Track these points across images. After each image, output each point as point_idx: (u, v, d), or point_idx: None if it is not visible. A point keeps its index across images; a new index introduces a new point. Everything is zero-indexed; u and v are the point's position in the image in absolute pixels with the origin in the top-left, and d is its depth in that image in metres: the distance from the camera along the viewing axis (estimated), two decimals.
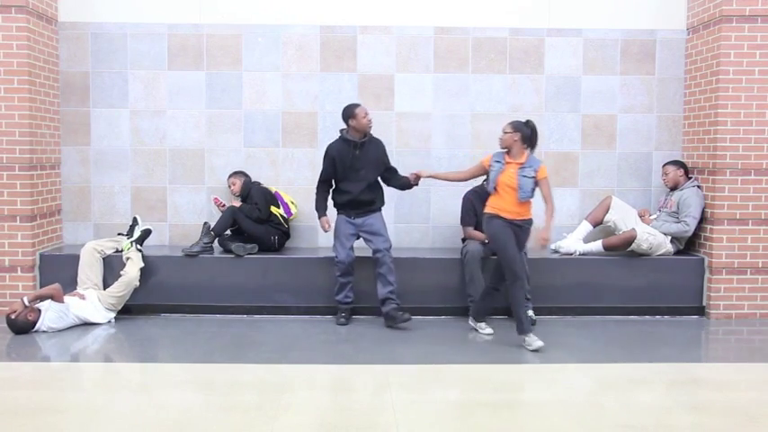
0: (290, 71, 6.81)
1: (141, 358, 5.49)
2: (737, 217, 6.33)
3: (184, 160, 6.84)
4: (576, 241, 6.55)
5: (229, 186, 6.64)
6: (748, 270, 6.37)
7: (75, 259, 6.18)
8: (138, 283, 6.09)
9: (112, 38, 6.73)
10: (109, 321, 6.01)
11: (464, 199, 6.38)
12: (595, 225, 6.63)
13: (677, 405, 4.37)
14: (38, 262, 6.29)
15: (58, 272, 6.21)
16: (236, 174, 6.65)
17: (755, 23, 6.24)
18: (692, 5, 6.76)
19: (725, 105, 6.27)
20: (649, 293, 6.40)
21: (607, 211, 6.59)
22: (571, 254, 6.49)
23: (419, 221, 6.91)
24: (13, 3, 6.07)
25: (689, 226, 6.38)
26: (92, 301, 5.95)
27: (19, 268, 6.21)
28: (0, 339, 5.60)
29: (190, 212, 6.86)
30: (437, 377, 4.86)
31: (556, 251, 6.58)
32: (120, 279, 6.06)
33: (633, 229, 6.39)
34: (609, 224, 6.59)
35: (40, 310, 5.72)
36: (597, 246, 6.49)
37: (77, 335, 5.73)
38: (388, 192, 6.27)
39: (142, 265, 6.15)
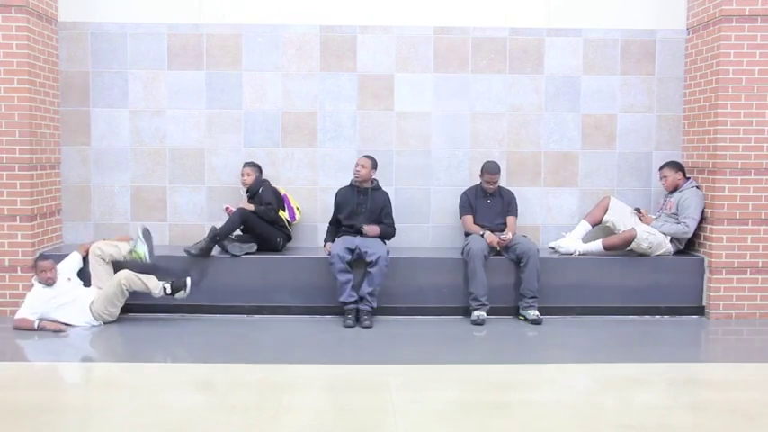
0: (290, 71, 6.81)
1: (141, 358, 5.48)
2: (737, 217, 6.33)
3: (184, 160, 6.83)
4: (575, 241, 6.54)
5: (242, 176, 6.53)
6: (748, 270, 6.36)
7: None
8: (156, 293, 5.90)
9: (112, 38, 6.73)
10: (91, 326, 5.87)
11: (461, 195, 6.52)
12: (594, 225, 6.63)
13: (677, 405, 4.38)
14: None
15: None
16: (251, 165, 6.53)
17: (755, 23, 6.24)
18: (691, 5, 6.76)
19: (725, 105, 6.27)
20: (649, 293, 6.39)
21: (605, 211, 6.59)
22: (571, 254, 6.49)
23: (419, 221, 6.91)
24: (13, 3, 6.06)
25: (689, 227, 6.37)
26: (80, 303, 5.85)
27: (19, 268, 6.21)
28: (0, 339, 5.60)
29: (190, 212, 6.86)
30: (437, 377, 4.86)
31: (555, 251, 6.59)
32: (103, 293, 5.88)
33: (633, 228, 6.38)
34: (607, 224, 6.58)
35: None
36: (597, 245, 6.48)
37: (77, 335, 5.73)
38: (388, 191, 6.31)
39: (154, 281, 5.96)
